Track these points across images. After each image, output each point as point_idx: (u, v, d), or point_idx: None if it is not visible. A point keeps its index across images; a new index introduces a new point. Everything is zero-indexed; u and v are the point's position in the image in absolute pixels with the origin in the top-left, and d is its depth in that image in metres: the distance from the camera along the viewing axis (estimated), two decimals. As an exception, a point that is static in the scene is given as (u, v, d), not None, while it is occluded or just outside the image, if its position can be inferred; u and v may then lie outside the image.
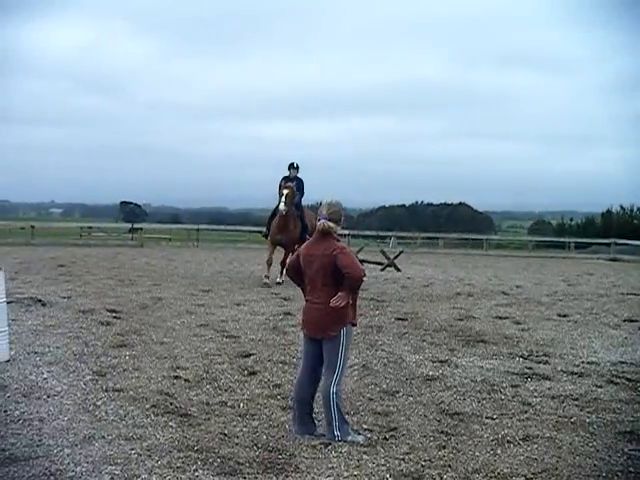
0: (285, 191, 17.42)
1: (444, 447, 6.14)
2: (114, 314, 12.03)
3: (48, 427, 6.29)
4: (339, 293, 6.20)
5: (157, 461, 5.56)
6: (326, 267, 6.27)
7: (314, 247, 6.45)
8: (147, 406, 6.99)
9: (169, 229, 44.07)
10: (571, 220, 64.46)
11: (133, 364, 8.69)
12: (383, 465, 5.65)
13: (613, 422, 7.01)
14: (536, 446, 6.23)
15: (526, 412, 7.27)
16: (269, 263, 18.17)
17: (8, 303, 9.45)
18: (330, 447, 6.03)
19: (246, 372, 8.56)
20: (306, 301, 6.53)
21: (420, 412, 7.17)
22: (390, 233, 43.99)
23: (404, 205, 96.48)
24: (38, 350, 9.12)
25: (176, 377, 8.16)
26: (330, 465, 5.63)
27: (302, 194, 18.50)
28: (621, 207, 58.35)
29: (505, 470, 5.62)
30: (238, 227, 44.46)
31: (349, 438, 6.20)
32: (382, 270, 23.49)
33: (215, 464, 5.55)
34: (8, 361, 8.46)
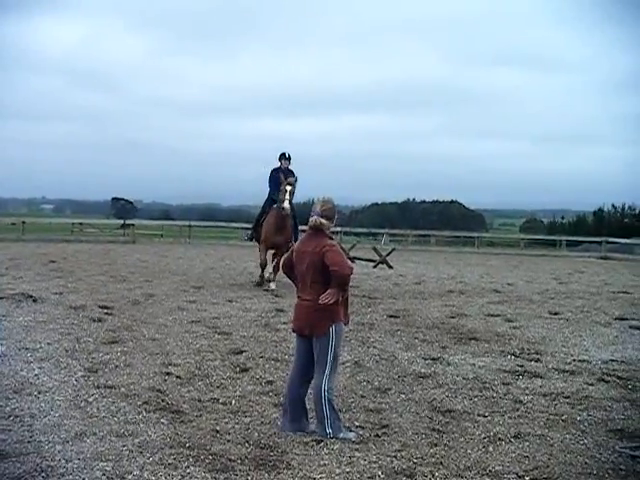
0: (289, 187, 15.71)
1: (436, 444, 6.14)
2: (106, 310, 12.01)
3: (39, 423, 6.27)
4: (328, 290, 6.21)
5: (149, 458, 5.55)
6: (315, 264, 6.27)
7: (306, 244, 6.45)
8: (139, 403, 6.98)
9: (161, 225, 44.02)
10: (562, 218, 64.78)
11: (125, 360, 8.67)
12: (375, 462, 5.65)
13: (604, 420, 7.03)
14: (527, 444, 6.24)
15: (517, 410, 7.28)
16: (264, 265, 16.73)
17: (-1, 299, 9.43)
18: (322, 444, 6.03)
19: (238, 369, 8.55)
20: (297, 298, 6.53)
21: (412, 409, 7.18)
22: (382, 230, 44.05)
23: (396, 202, 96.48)
24: (29, 346, 9.09)
25: (168, 374, 8.14)
26: (322, 462, 5.63)
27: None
28: (613, 206, 58.71)
29: (497, 467, 5.63)
30: (230, 224, 44.40)
31: (341, 435, 6.19)
32: (374, 267, 23.53)
33: (207, 461, 5.54)
34: (-1, 357, 8.44)
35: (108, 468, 5.31)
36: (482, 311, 13.86)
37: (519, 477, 5.46)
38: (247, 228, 43.40)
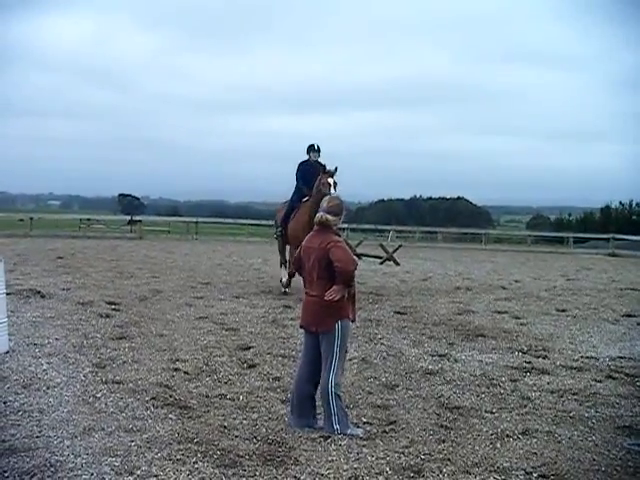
0: (331, 180, 13.76)
1: (443, 441, 6.14)
2: (113, 306, 12.04)
3: (48, 418, 6.29)
4: (334, 287, 6.21)
5: (157, 453, 5.57)
6: (321, 260, 6.28)
7: (313, 240, 6.47)
8: (147, 398, 6.99)
9: (168, 222, 44.02)
10: (569, 215, 64.59)
11: (132, 356, 8.69)
12: (382, 458, 5.65)
13: (612, 417, 7.02)
14: (535, 440, 6.24)
15: (525, 406, 7.28)
16: (286, 264, 15.44)
17: (7, 295, 9.45)
18: (329, 440, 6.04)
19: (245, 365, 8.56)
20: (305, 294, 6.54)
21: (419, 406, 7.18)
22: (389, 227, 43.99)
23: (403, 199, 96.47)
24: (37, 342, 9.12)
25: (175, 369, 8.16)
26: (330, 458, 5.63)
27: None
28: (620, 203, 58.53)
29: (504, 464, 5.63)
30: (238, 220, 44.40)
31: (348, 431, 6.20)
32: (381, 264, 23.53)
33: (215, 456, 5.55)
34: (7, 352, 8.46)
35: (116, 463, 5.33)
36: (489, 308, 13.84)
37: (527, 474, 5.45)
38: (255, 224, 43.74)
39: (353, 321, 6.57)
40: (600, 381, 8.42)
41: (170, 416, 6.51)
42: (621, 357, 9.76)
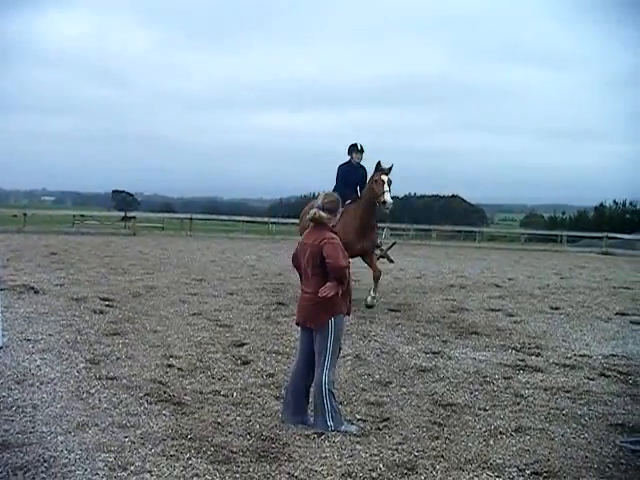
0: (385, 177, 12.36)
1: (437, 438, 6.16)
2: (107, 302, 12.03)
3: (41, 414, 6.29)
4: (327, 283, 6.23)
5: (150, 449, 5.57)
6: (315, 257, 6.30)
7: (308, 236, 6.49)
8: (140, 394, 6.99)
9: (162, 218, 43.94)
10: (563, 214, 64.78)
11: (126, 352, 8.68)
12: (376, 455, 5.67)
13: (604, 414, 7.05)
14: (528, 437, 6.26)
15: (518, 404, 7.30)
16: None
17: (1, 290, 9.44)
18: (323, 437, 6.05)
19: (239, 361, 8.56)
20: (301, 291, 6.56)
21: (413, 403, 7.19)
22: (383, 224, 43.94)
23: (397, 196, 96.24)
24: (31, 337, 9.11)
25: (169, 366, 8.16)
26: (323, 454, 5.64)
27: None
28: (614, 201, 58.80)
29: (498, 461, 5.65)
30: (232, 217, 44.35)
31: (342, 428, 6.21)
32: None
33: (208, 452, 5.56)
34: (1, 348, 8.45)
35: (110, 459, 5.33)
36: (483, 305, 13.87)
37: (520, 470, 5.47)
38: (249, 221, 43.62)
39: (347, 314, 6.59)
40: (593, 379, 8.44)
41: (164, 412, 6.51)
42: (614, 355, 9.79)
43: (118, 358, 8.40)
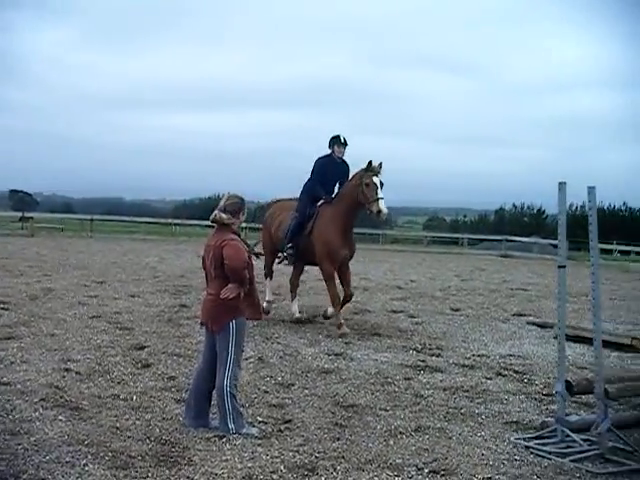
0: (376, 179, 10.88)
1: (338, 439, 6.18)
2: (1, 305, 11.66)
3: None
4: (229, 285, 6.20)
5: (45, 456, 5.40)
6: (217, 258, 6.27)
7: (212, 238, 6.45)
8: (35, 400, 6.78)
9: (61, 219, 42.88)
10: (465, 217, 66.28)
11: (21, 357, 8.41)
12: (277, 457, 5.65)
13: (500, 412, 7.22)
14: (427, 436, 6.35)
15: (418, 404, 7.41)
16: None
17: None
18: (224, 440, 6.00)
19: (140, 364, 8.41)
20: (205, 292, 6.54)
21: (315, 404, 7.21)
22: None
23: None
24: None
25: (67, 370, 7.94)
26: (224, 457, 5.59)
27: None
28: (513, 205, 60.59)
29: (397, 460, 5.71)
30: (134, 218, 43.68)
31: (243, 430, 6.17)
32: (279, 263, 23.49)
33: (106, 458, 5.43)
34: None
35: (2, 468, 5.13)
36: (385, 307, 14.04)
37: (419, 469, 5.54)
38: (153, 222, 42.99)
39: (259, 319, 6.63)
40: (490, 378, 8.65)
41: (60, 417, 6.33)
42: (511, 355, 10.06)
43: (12, 362, 8.13)
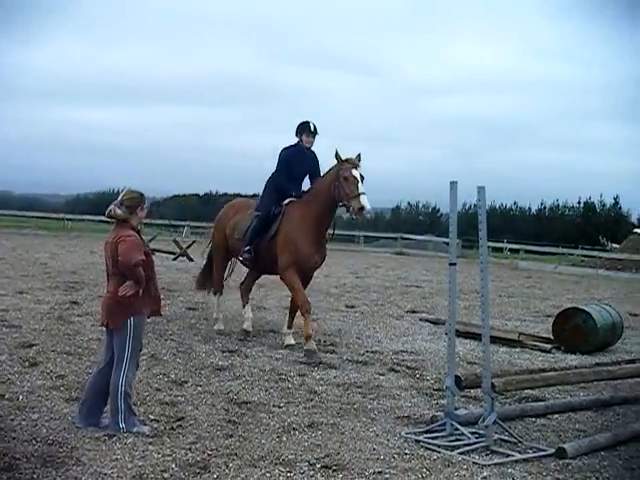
0: (356, 172, 9.47)
1: (231, 436, 6.16)
2: None
3: None
4: (126, 282, 6.10)
5: None
6: (113, 256, 6.16)
7: (110, 235, 6.33)
8: None
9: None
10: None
11: None
12: (169, 455, 5.59)
13: (392, 408, 7.35)
14: (320, 432, 6.40)
15: (312, 400, 7.45)
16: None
17: None
18: (114, 439, 5.89)
19: (27, 363, 8.16)
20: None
21: (208, 401, 7.16)
22: (183, 222, 43.61)
23: (197, 194, 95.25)
24: None
25: (-52, 369, 7.64)
26: (114, 457, 5.49)
27: None
28: (409, 203, 61.79)
29: (290, 456, 5.73)
30: (24, 212, 42.36)
31: (135, 429, 6.07)
32: (174, 259, 23.30)
33: (-11, 460, 5.25)
34: None
35: None
36: (281, 304, 14.05)
37: (311, 465, 5.58)
38: (42, 217, 41.83)
39: (158, 315, 6.65)
40: (383, 374, 8.78)
41: (-60, 419, 6.09)
42: (403, 351, 10.24)
43: None
